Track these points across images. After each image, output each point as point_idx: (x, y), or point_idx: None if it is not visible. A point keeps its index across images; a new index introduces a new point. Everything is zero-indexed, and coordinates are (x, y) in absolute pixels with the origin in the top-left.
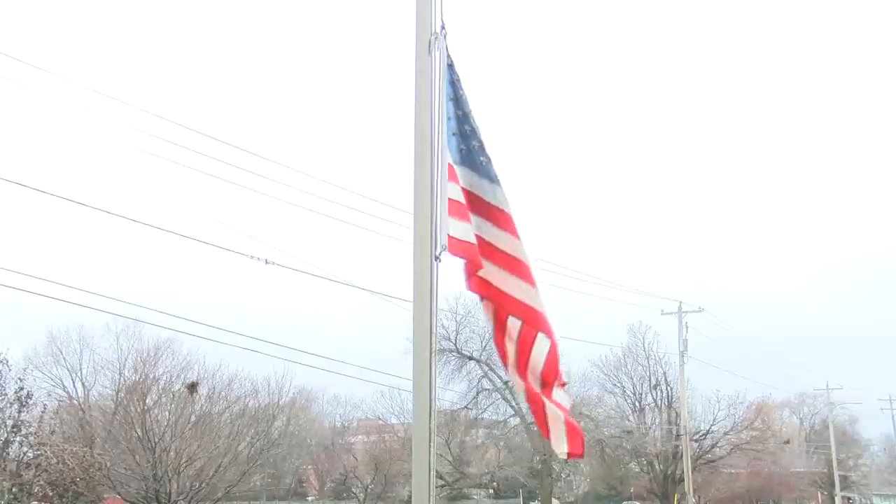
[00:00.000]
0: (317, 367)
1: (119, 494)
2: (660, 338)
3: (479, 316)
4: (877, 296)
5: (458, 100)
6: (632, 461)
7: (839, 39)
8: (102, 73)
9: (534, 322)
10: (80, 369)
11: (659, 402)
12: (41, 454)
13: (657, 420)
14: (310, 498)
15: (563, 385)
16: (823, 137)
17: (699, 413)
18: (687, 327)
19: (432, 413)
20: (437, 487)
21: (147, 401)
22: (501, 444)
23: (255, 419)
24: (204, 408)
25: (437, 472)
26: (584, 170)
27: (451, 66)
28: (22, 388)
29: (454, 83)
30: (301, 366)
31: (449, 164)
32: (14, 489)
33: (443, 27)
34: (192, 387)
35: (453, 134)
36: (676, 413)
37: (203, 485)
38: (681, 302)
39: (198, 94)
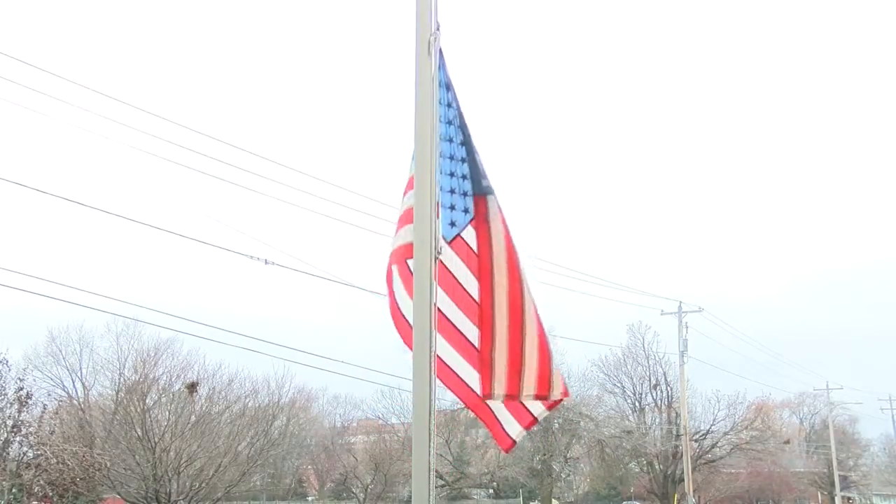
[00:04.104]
0: (317, 367)
1: (119, 494)
2: (660, 338)
3: None
4: (875, 298)
5: (449, 105)
6: (632, 461)
7: (827, 57)
8: (102, 73)
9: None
10: (80, 369)
11: (659, 402)
12: (41, 454)
13: (657, 420)
14: (310, 498)
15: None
16: (822, 140)
17: (699, 413)
18: (687, 327)
19: (432, 413)
20: (437, 487)
21: (147, 401)
22: None
23: (255, 419)
24: (204, 408)
25: (437, 472)
26: (585, 170)
27: (443, 66)
28: (22, 388)
29: (448, 86)
30: (301, 366)
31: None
32: (14, 489)
33: (438, 27)
34: (192, 387)
35: (448, 140)
36: (676, 413)
37: (203, 485)
38: (681, 302)
39: (198, 94)
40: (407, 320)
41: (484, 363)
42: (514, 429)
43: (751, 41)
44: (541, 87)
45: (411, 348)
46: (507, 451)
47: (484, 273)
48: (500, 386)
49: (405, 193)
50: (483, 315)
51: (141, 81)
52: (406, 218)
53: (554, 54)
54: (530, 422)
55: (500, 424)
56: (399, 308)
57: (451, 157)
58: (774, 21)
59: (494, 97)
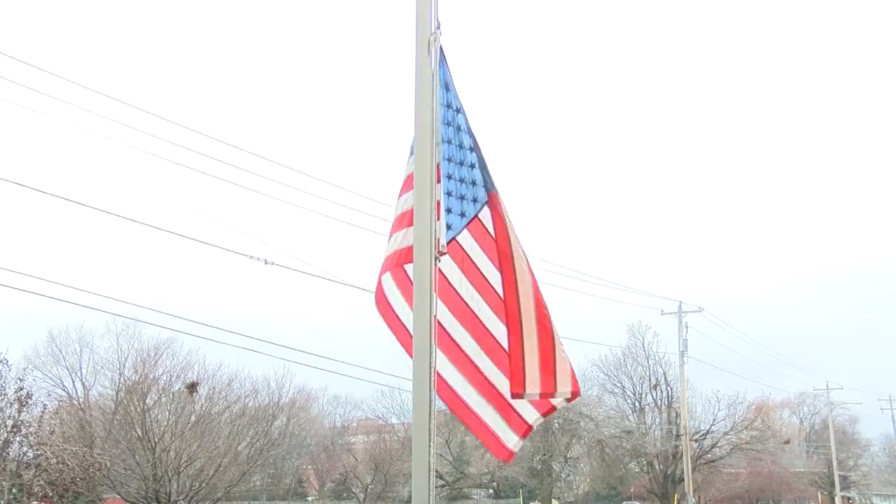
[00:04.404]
0: (317, 367)
1: (119, 494)
2: (660, 338)
3: None
4: (874, 298)
5: (448, 105)
6: (632, 461)
7: (827, 57)
8: (102, 73)
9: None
10: (80, 369)
11: (659, 402)
12: (41, 454)
13: (657, 420)
14: (310, 498)
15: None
16: (823, 139)
17: (699, 413)
18: (687, 327)
19: (432, 413)
20: (437, 487)
21: (147, 401)
22: None
23: (255, 419)
24: (204, 408)
25: (437, 472)
26: (585, 170)
27: (444, 65)
28: (22, 388)
29: (448, 86)
30: (301, 366)
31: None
32: (14, 489)
33: (438, 26)
34: (192, 387)
35: (447, 141)
36: (676, 413)
37: (203, 485)
38: (681, 302)
39: (198, 94)
40: (405, 326)
41: (514, 362)
42: (512, 439)
43: (751, 41)
44: (541, 86)
45: (411, 354)
46: (506, 461)
47: (506, 268)
48: (533, 385)
49: (402, 194)
50: (509, 312)
51: (141, 81)
52: (403, 220)
53: (554, 54)
54: (526, 430)
55: (495, 434)
56: (397, 315)
57: (449, 160)
58: (774, 21)
59: (495, 96)
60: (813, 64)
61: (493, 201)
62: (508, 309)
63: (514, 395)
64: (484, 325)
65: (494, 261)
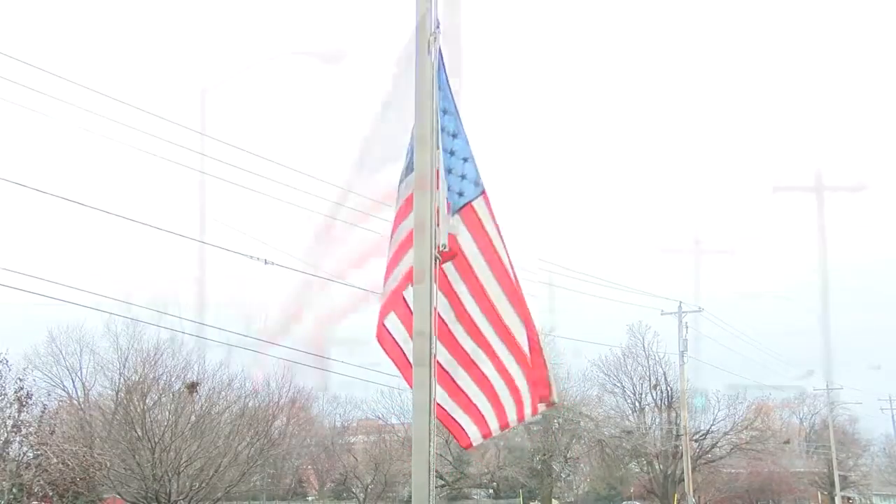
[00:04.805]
0: (317, 367)
1: (119, 494)
2: (660, 338)
3: None
4: (874, 298)
5: (445, 112)
6: (632, 461)
7: (826, 57)
8: (102, 73)
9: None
10: (80, 369)
11: (659, 402)
12: (41, 454)
13: (657, 420)
14: (310, 498)
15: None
16: (821, 139)
17: (699, 413)
18: (687, 327)
19: (432, 413)
20: (437, 487)
21: (147, 401)
22: (501, 444)
23: (255, 419)
24: (204, 408)
25: (437, 472)
26: (585, 169)
27: (442, 67)
28: (22, 388)
29: (439, 86)
30: (301, 366)
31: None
32: (14, 489)
33: (438, 26)
34: (192, 387)
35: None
36: (676, 413)
37: (203, 485)
38: (681, 302)
39: (197, 94)
40: (405, 354)
41: (538, 368)
42: (474, 432)
43: (750, 41)
44: (541, 85)
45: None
46: (467, 448)
47: (501, 273)
48: (555, 392)
49: (400, 219)
50: (525, 319)
51: (141, 81)
52: (407, 244)
53: (554, 53)
54: (486, 433)
55: (458, 423)
56: (401, 349)
57: None
58: (775, 20)
59: (494, 95)
60: (812, 63)
61: (468, 211)
62: (524, 316)
63: (542, 401)
64: (468, 330)
65: (464, 274)
